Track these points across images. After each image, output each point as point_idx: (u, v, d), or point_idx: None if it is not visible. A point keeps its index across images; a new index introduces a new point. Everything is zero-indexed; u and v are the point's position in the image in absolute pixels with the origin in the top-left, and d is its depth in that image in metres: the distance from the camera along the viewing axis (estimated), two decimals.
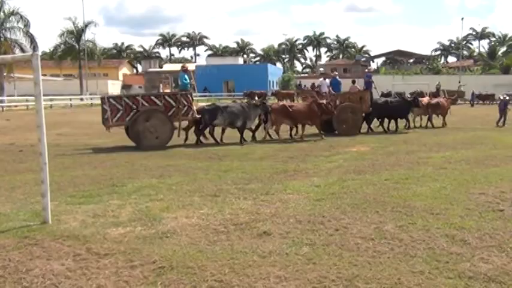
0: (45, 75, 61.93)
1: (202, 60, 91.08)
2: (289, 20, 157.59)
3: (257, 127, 15.15)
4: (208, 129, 14.17)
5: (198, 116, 13.75)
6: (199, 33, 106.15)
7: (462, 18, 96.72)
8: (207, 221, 5.70)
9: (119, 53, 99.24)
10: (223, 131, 14.54)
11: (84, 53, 56.56)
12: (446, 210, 6.06)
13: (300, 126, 15.59)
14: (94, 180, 8.32)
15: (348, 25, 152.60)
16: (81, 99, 48.72)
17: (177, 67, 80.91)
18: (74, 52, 57.78)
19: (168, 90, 65.63)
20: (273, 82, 68.20)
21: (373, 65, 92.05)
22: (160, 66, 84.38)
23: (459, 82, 40.20)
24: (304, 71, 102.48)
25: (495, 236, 5.02)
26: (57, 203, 6.50)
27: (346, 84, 20.76)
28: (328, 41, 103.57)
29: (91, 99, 49.41)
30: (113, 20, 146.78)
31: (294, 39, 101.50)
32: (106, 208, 6.32)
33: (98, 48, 62.77)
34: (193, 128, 14.30)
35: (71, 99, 45.14)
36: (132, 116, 13.02)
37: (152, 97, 13.69)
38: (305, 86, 50.01)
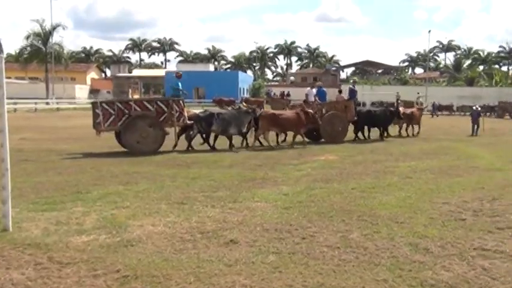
0: (9, 77, 60.43)
1: (172, 66, 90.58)
2: (261, 28, 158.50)
3: (246, 133, 15.28)
4: (203, 135, 14.35)
5: (189, 122, 13.86)
6: (170, 39, 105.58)
7: (429, 31, 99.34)
8: (174, 229, 5.64)
9: (88, 57, 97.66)
10: (215, 137, 14.59)
11: (51, 56, 55.45)
12: (410, 219, 6.18)
13: (287, 133, 16.01)
14: (58, 186, 8.14)
15: (319, 35, 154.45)
16: (47, 103, 47.68)
17: (147, 72, 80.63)
18: (41, 55, 56.69)
19: (137, 96, 65.07)
20: (243, 89, 68.33)
21: (343, 75, 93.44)
22: (130, 71, 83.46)
23: (418, 93, 41.06)
24: (274, 79, 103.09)
25: (457, 245, 5.14)
26: (18, 210, 6.32)
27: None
28: (299, 50, 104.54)
29: (57, 103, 48.45)
30: (82, 23, 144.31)
31: (265, 48, 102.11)
32: (70, 215, 6.19)
33: (65, 51, 61.74)
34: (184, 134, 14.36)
35: (36, 103, 44.12)
36: (124, 120, 13.07)
37: (145, 102, 13.78)
38: (274, 93, 50.32)
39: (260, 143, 15.17)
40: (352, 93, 19.48)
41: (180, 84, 15.52)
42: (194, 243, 5.12)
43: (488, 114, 42.80)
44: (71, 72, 70.11)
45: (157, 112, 13.48)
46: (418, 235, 5.46)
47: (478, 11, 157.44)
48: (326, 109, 17.58)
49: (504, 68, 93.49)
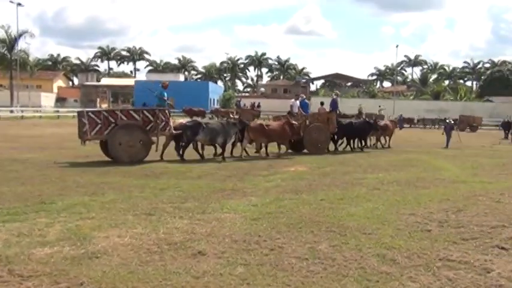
0: None
1: (142, 76, 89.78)
2: (232, 39, 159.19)
3: (233, 144, 15.36)
4: (192, 144, 14.32)
5: (175, 132, 13.85)
6: (139, 48, 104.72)
7: (397, 46, 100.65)
8: (140, 240, 5.54)
9: (55, 65, 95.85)
10: (202, 147, 14.54)
11: (16, 63, 54.18)
12: (377, 230, 6.24)
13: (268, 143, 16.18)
14: (21, 197, 7.90)
15: (289, 47, 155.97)
16: (11, 111, 46.46)
17: (115, 81, 79.59)
18: (6, 62, 55.33)
19: (105, 105, 64.16)
20: (214, 100, 68.22)
21: (313, 87, 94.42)
22: (98, 80, 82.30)
23: (379, 106, 41.66)
24: (245, 90, 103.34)
25: (423, 256, 5.21)
26: None
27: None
28: (270, 61, 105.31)
29: (22, 111, 47.26)
30: (49, 30, 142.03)
31: (236, 58, 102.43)
32: (32, 227, 6.00)
33: (31, 58, 60.46)
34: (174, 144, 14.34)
35: None
36: (111, 129, 13.03)
37: (131, 112, 13.81)
38: (244, 104, 50.36)
39: (247, 153, 15.31)
40: (334, 104, 19.94)
41: (165, 94, 15.54)
42: (161, 255, 5.04)
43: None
44: (36, 80, 68.63)
45: (143, 121, 13.53)
46: (385, 246, 5.51)
47: (443, 27, 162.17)
48: (309, 121, 17.90)
49: (468, 83, 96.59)
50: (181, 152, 13.94)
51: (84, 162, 12.73)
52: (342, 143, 19.16)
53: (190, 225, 6.26)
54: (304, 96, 21.70)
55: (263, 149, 15.68)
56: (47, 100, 66.77)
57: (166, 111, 14.17)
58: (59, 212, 6.86)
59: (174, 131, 13.98)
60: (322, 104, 21.06)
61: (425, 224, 6.67)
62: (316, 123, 17.75)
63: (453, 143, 22.66)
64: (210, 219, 6.61)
